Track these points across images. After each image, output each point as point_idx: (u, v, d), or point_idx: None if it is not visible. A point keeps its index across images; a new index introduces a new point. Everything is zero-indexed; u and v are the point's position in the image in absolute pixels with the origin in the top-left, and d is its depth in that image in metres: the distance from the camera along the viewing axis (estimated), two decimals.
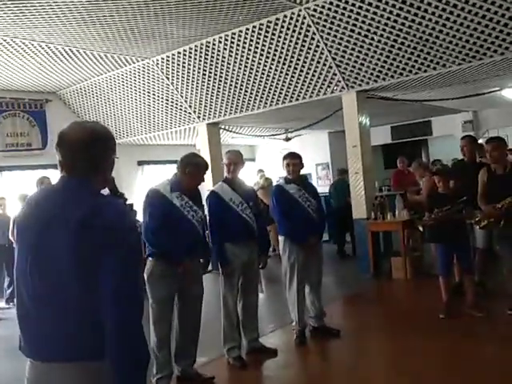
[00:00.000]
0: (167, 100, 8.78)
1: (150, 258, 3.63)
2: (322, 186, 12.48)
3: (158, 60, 8.00)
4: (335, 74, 7.01)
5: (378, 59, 6.55)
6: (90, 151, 1.65)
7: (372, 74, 6.79)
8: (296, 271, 4.56)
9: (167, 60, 7.95)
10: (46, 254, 1.58)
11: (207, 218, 4.23)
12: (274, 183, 8.52)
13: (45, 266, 1.59)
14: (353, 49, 6.57)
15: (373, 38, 6.33)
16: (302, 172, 10.86)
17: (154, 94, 8.79)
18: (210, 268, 4.42)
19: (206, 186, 5.65)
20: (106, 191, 1.79)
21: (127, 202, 2.00)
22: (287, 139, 10.51)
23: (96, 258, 1.52)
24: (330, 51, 6.73)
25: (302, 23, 6.54)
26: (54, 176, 9.38)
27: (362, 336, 4.82)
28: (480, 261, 5.37)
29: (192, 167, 3.71)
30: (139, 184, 10.79)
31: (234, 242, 4.16)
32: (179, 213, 3.61)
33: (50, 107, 9.47)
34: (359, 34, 6.33)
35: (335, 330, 4.79)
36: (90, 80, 8.92)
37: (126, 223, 1.63)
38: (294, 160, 4.63)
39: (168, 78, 8.30)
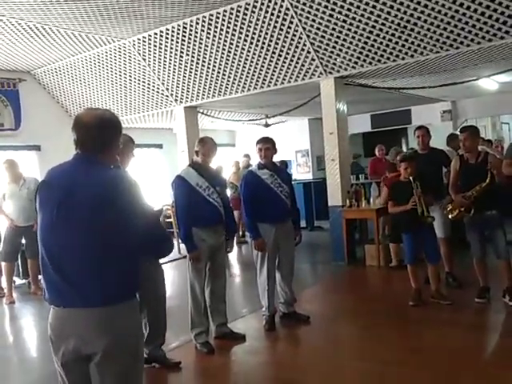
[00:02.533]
0: (144, 82, 8.62)
1: None
2: (302, 173, 12.51)
3: (134, 41, 7.83)
4: (313, 60, 6.93)
5: (357, 45, 6.49)
6: (100, 135, 2.02)
7: (350, 60, 6.73)
8: (266, 256, 4.52)
9: (144, 41, 7.78)
10: (72, 214, 1.91)
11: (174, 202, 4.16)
12: None
13: (70, 224, 1.91)
14: (331, 34, 6.50)
15: (351, 24, 6.27)
16: (283, 158, 11.03)
17: (130, 76, 8.62)
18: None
19: None
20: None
21: None
22: (266, 125, 10.43)
23: (112, 213, 1.90)
24: (308, 36, 6.65)
25: (281, 6, 6.44)
26: (28, 158, 9.22)
27: (331, 322, 4.82)
28: (444, 250, 5.39)
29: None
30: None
31: (200, 227, 4.11)
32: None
33: (23, 87, 9.21)
34: (338, 18, 6.26)
35: (305, 316, 4.78)
36: (65, 60, 8.70)
37: (136, 188, 2.09)
38: (265, 144, 4.56)
39: (145, 60, 8.14)
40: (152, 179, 10.70)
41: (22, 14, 6.42)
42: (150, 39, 7.71)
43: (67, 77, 9.18)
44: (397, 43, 6.24)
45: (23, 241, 6.79)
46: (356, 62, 6.73)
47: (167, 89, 8.54)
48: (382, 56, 6.49)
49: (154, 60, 8.07)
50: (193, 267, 4.18)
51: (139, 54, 8.04)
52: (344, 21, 6.26)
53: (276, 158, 11.00)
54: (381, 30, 6.17)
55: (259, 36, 6.96)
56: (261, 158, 4.60)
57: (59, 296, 1.98)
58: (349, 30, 6.33)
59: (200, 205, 4.11)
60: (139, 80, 8.61)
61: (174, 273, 7.54)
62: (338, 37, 6.50)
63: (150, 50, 7.91)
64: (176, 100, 8.67)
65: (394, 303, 5.13)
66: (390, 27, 6.09)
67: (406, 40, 6.14)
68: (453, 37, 5.81)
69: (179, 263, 7.77)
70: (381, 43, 6.33)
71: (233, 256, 8.87)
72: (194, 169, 4.23)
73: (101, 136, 2.04)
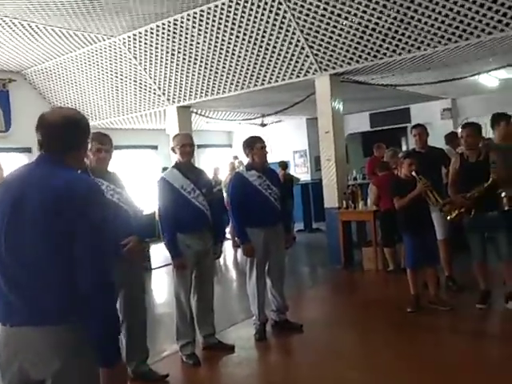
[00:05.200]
0: (135, 81, 8.41)
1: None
2: (300, 174, 12.26)
3: (124, 38, 7.62)
4: (308, 56, 6.71)
5: (352, 40, 6.27)
6: (65, 134, 1.84)
7: (346, 56, 6.51)
8: (255, 262, 4.30)
9: (134, 38, 7.57)
10: (22, 220, 1.72)
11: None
12: None
13: (21, 231, 1.72)
14: (325, 29, 6.28)
15: (346, 18, 6.05)
16: (281, 159, 10.79)
17: (121, 75, 8.41)
18: None
19: None
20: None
21: None
22: (263, 125, 10.20)
23: (68, 224, 1.68)
24: (302, 31, 6.42)
25: (273, 1, 6.22)
26: (19, 160, 9.00)
27: (326, 330, 4.58)
28: (443, 252, 5.16)
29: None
30: (109, 169, 10.41)
31: (185, 232, 3.88)
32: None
33: (13, 87, 9.02)
34: (332, 12, 6.05)
35: (297, 324, 4.55)
36: (55, 59, 8.50)
37: (97, 196, 1.79)
38: (264, 144, 4.36)
39: (136, 58, 7.93)
40: (147, 181, 10.49)
41: (9, 11, 6.23)
42: (140, 36, 7.50)
43: (58, 76, 8.97)
44: (393, 38, 6.02)
45: None
46: (351, 58, 6.50)
47: (159, 88, 8.32)
48: (378, 52, 6.27)
49: (145, 58, 7.86)
50: (178, 275, 3.96)
51: (130, 52, 7.83)
52: (338, 15, 6.05)
53: (275, 159, 10.94)
54: (377, 24, 5.95)
55: (252, 32, 6.75)
56: (257, 158, 4.34)
57: (7, 313, 1.77)
58: (343, 24, 6.12)
59: (185, 209, 3.88)
60: (130, 79, 8.40)
61: (163, 278, 7.34)
62: (332, 32, 6.28)
63: (140, 48, 7.70)
64: (168, 99, 8.45)
65: (392, 309, 4.89)
66: (386, 21, 5.87)
67: (403, 34, 5.92)
68: (451, 30, 5.58)
69: (169, 268, 7.57)
70: (377, 38, 6.10)
71: (228, 260, 8.66)
72: (179, 170, 4.00)
73: (67, 136, 1.85)
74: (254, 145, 4.34)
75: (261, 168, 4.37)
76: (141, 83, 8.40)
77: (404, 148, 11.93)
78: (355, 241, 7.49)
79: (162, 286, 7.22)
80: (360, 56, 6.42)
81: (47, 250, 1.71)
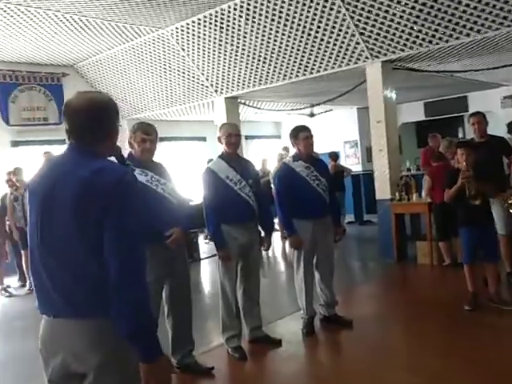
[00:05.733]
0: (183, 73, 8.41)
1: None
2: (351, 165, 11.98)
3: (172, 30, 7.62)
4: (358, 43, 6.47)
5: (405, 25, 5.98)
6: (92, 119, 1.74)
7: (398, 42, 6.22)
8: (302, 254, 4.17)
9: (181, 30, 7.56)
10: (54, 212, 1.67)
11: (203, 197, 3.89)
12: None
13: (52, 222, 1.68)
14: (377, 14, 6.02)
15: (399, 2, 5.76)
16: (331, 149, 10.56)
17: (169, 67, 8.44)
18: None
19: None
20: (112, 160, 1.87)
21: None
22: (311, 115, 10.00)
23: (96, 215, 1.61)
24: (352, 17, 6.19)
25: None
26: None
27: (376, 327, 4.40)
28: (504, 247, 4.85)
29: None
30: (159, 161, 10.52)
31: (231, 224, 3.80)
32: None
33: (66, 81, 9.27)
34: None
35: (347, 319, 4.40)
36: (105, 52, 8.64)
37: (126, 186, 1.67)
38: (310, 133, 4.21)
39: (183, 50, 7.92)
40: (195, 172, 10.54)
41: (67, 7, 6.38)
42: (187, 28, 7.48)
43: (108, 69, 9.13)
44: (450, 21, 5.69)
45: None
46: (405, 44, 6.21)
47: (207, 79, 8.29)
48: (433, 36, 5.94)
49: (193, 49, 7.84)
50: (223, 266, 3.89)
51: (178, 43, 7.83)
52: None
53: (325, 149, 10.72)
54: (432, 7, 5.64)
55: (300, 20, 6.57)
56: (303, 149, 4.20)
57: (49, 303, 1.74)
58: (396, 8, 5.84)
59: (230, 200, 3.79)
60: (179, 71, 8.42)
61: (211, 269, 7.32)
62: (384, 17, 6.01)
63: (188, 39, 7.69)
64: (216, 91, 8.41)
65: (448, 307, 4.64)
66: (442, 4, 5.56)
67: (461, 17, 5.58)
68: None
69: (209, 261, 7.58)
70: (432, 22, 5.79)
71: (277, 252, 8.56)
72: (224, 160, 3.92)
73: (94, 122, 1.74)
74: (298, 135, 4.21)
75: (308, 158, 4.23)
76: (189, 75, 8.41)
77: (461, 138, 11.43)
78: (409, 234, 7.20)
79: (209, 276, 7.21)
80: (414, 42, 6.12)
81: (76, 241, 1.65)
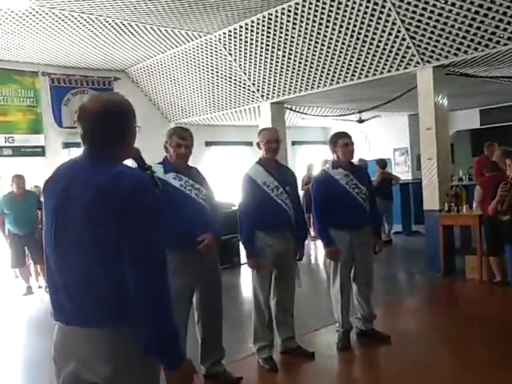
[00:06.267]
0: (230, 78, 8.42)
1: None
2: (400, 173, 11.65)
3: (220, 35, 7.64)
4: (409, 47, 6.24)
5: (459, 28, 5.70)
6: (105, 122, 1.68)
7: (452, 46, 5.94)
8: (339, 266, 4.02)
9: (229, 35, 7.56)
10: (67, 219, 1.63)
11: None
12: None
13: (66, 228, 1.64)
14: (429, 17, 5.77)
15: (453, 4, 5.51)
16: (380, 156, 10.29)
17: (217, 72, 8.47)
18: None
19: None
20: (131, 163, 1.83)
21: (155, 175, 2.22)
22: (360, 121, 9.78)
23: (111, 224, 1.56)
24: (403, 21, 5.97)
25: None
26: None
27: (417, 345, 4.17)
28: None
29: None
30: (206, 165, 10.59)
31: (266, 231, 3.71)
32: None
33: (118, 85, 9.49)
34: None
35: (385, 335, 4.20)
36: (155, 57, 8.79)
37: (143, 192, 1.61)
38: (350, 140, 4.06)
39: (231, 55, 7.93)
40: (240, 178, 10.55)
41: (118, 13, 6.53)
42: (235, 33, 7.47)
43: (158, 74, 9.28)
44: (509, 23, 5.37)
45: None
46: (458, 49, 5.92)
47: (253, 84, 8.26)
48: (490, 40, 5.63)
49: (240, 54, 7.83)
50: (256, 275, 3.80)
51: (225, 48, 7.84)
52: (445, 1, 5.52)
53: (374, 156, 10.44)
54: (489, 8, 5.35)
55: (349, 24, 6.41)
56: (342, 156, 4.06)
57: (62, 310, 1.71)
58: (450, 11, 5.58)
59: (267, 206, 3.71)
60: (225, 76, 8.43)
61: (249, 275, 7.23)
62: (437, 20, 5.76)
63: (235, 44, 7.68)
64: (262, 96, 8.36)
65: (497, 328, 4.36)
66: (500, 5, 5.26)
67: None
68: None
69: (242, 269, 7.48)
70: (489, 24, 5.49)
71: (313, 261, 8.39)
72: (262, 166, 3.85)
73: (108, 126, 1.68)
74: (337, 141, 4.06)
75: (347, 166, 4.08)
76: (235, 79, 8.41)
77: None
78: (457, 247, 6.86)
79: (248, 282, 7.13)
80: (469, 46, 5.82)
81: (88, 249, 1.60)
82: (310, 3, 6.44)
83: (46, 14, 6.38)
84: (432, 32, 5.91)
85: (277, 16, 6.87)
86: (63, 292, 1.68)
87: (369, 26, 6.30)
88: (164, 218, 1.72)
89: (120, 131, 1.72)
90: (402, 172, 11.78)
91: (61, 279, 1.69)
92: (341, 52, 6.84)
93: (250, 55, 7.74)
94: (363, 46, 6.58)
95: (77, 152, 8.47)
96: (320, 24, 6.63)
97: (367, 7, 6.09)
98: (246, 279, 7.35)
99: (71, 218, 1.63)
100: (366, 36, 6.43)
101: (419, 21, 5.87)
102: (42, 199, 1.82)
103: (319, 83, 7.49)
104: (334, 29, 6.59)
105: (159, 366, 1.69)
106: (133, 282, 1.57)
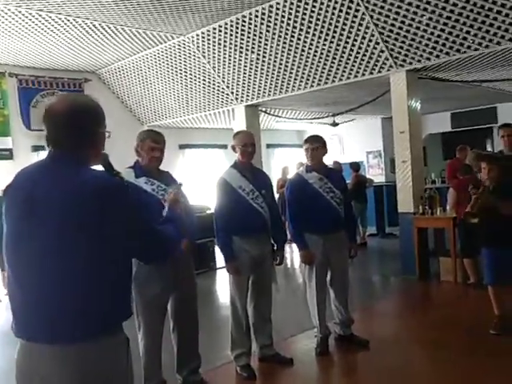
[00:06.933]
0: (204, 80, 8.32)
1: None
2: (374, 176, 11.74)
3: (193, 37, 7.54)
4: (382, 51, 6.27)
5: (432, 33, 5.75)
6: (72, 124, 1.62)
7: (424, 50, 6.00)
8: (314, 270, 3.98)
9: (202, 37, 7.47)
10: (33, 226, 1.54)
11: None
12: None
13: (33, 238, 1.55)
14: (402, 22, 5.81)
15: (425, 9, 5.55)
16: (353, 159, 10.35)
17: (190, 74, 8.36)
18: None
19: None
20: (99, 168, 1.74)
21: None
22: (334, 124, 9.80)
23: (88, 227, 1.51)
24: (376, 24, 6.00)
25: None
26: None
27: (395, 349, 4.15)
28: None
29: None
30: (180, 168, 10.44)
31: (242, 235, 3.64)
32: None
33: (88, 87, 9.26)
34: (409, 4, 5.57)
35: (363, 340, 4.18)
36: (127, 59, 8.62)
37: (115, 196, 1.58)
38: (313, 144, 4.01)
39: (204, 57, 7.84)
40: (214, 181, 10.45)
41: (88, 13, 6.35)
42: (208, 35, 7.39)
43: (130, 76, 9.11)
44: (480, 29, 5.44)
45: None
46: (431, 53, 5.98)
47: (227, 86, 8.18)
48: (461, 45, 5.70)
49: (214, 56, 7.75)
50: (233, 280, 3.73)
51: (198, 50, 7.75)
52: (417, 6, 5.56)
53: (347, 159, 10.48)
54: (460, 14, 5.41)
55: (322, 27, 6.41)
56: (308, 160, 4.05)
57: (27, 327, 1.60)
58: (422, 15, 5.63)
59: (242, 210, 3.64)
60: (199, 78, 8.33)
61: (226, 279, 7.14)
62: (409, 25, 5.80)
63: (209, 46, 7.59)
64: (237, 98, 8.29)
65: (472, 330, 4.37)
66: (471, 10, 5.32)
67: (492, 25, 5.33)
68: None
69: (219, 274, 7.39)
70: (461, 30, 5.55)
71: (290, 265, 8.34)
72: (237, 169, 3.78)
73: (75, 128, 1.62)
74: (305, 145, 4.04)
75: (321, 169, 4.04)
76: (209, 82, 8.32)
77: (489, 150, 11.06)
78: (432, 249, 6.92)
79: (224, 287, 7.04)
80: (441, 50, 5.88)
81: (63, 256, 1.52)
82: (284, 6, 6.41)
83: (13, 12, 6.16)
84: (405, 36, 5.95)
85: (251, 18, 6.82)
86: (29, 307, 1.58)
87: (342, 29, 6.30)
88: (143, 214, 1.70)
89: (85, 134, 1.65)
90: (376, 174, 11.87)
91: (27, 293, 1.58)
92: (315, 55, 6.83)
93: (224, 57, 7.66)
94: (337, 50, 6.58)
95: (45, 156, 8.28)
96: (294, 27, 6.61)
97: (341, 11, 6.09)
98: (223, 284, 7.26)
99: (39, 226, 1.54)
100: (340, 40, 6.43)
101: (392, 25, 5.91)
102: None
103: (293, 86, 7.46)
104: (307, 32, 6.58)
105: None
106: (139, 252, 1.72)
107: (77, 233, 1.52)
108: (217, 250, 7.81)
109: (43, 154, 6.77)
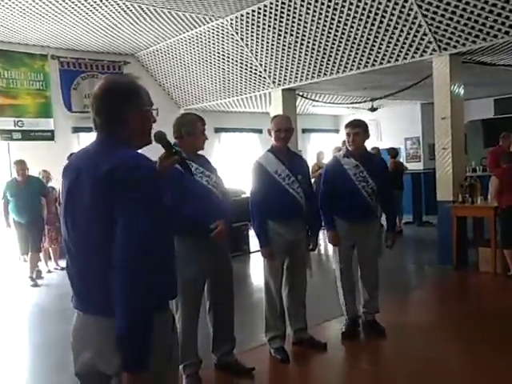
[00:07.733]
0: (241, 63, 8.29)
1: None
2: (411, 163, 11.52)
3: (231, 19, 7.51)
4: (425, 34, 6.09)
5: (479, 15, 5.55)
6: (100, 107, 1.65)
7: (470, 33, 5.79)
8: (338, 252, 4.03)
9: (241, 19, 7.43)
10: (75, 203, 1.61)
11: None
12: None
13: (75, 212, 1.62)
14: (447, 3, 5.62)
15: None
16: (391, 145, 10.16)
17: (228, 57, 8.35)
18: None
19: None
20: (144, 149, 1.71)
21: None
22: (372, 109, 9.63)
23: (108, 207, 1.51)
24: (420, 6, 5.82)
25: None
26: None
27: (424, 339, 4.01)
28: None
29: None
30: (216, 152, 10.50)
31: (277, 220, 3.64)
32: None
33: (128, 69, 9.37)
34: None
35: (381, 327, 4.12)
36: (165, 41, 8.67)
37: (142, 175, 1.54)
38: (354, 129, 3.95)
39: (242, 40, 7.80)
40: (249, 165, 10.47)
41: None
42: (247, 17, 7.34)
43: (168, 58, 9.17)
44: None
45: None
46: (477, 36, 5.77)
47: (265, 70, 8.13)
48: (510, 27, 5.48)
49: (252, 40, 7.70)
50: (268, 264, 3.74)
51: (236, 33, 7.71)
52: None
53: (385, 145, 10.29)
54: None
55: (364, 9, 6.27)
56: (348, 144, 4.00)
57: (78, 298, 1.68)
58: None
59: (278, 196, 3.62)
60: (236, 61, 8.31)
61: (259, 262, 7.19)
62: (455, 6, 5.60)
63: (247, 29, 7.55)
64: (274, 82, 8.23)
65: (509, 323, 4.26)
66: None
67: None
68: None
69: (255, 257, 7.40)
70: (510, 11, 5.32)
71: (326, 250, 8.30)
72: (273, 154, 3.76)
73: (103, 109, 1.65)
74: (347, 129, 3.99)
75: (359, 156, 3.98)
76: (247, 65, 8.28)
77: None
78: (470, 239, 6.76)
79: (258, 270, 7.08)
80: (488, 33, 5.67)
81: (93, 235, 1.57)
82: None
83: None
84: (450, 18, 5.75)
85: (290, 0, 6.72)
86: (77, 279, 1.66)
87: (384, 11, 6.15)
88: (161, 206, 1.62)
89: (114, 115, 1.64)
90: (414, 161, 11.66)
91: (75, 266, 1.67)
92: (355, 38, 6.70)
93: (262, 40, 7.60)
94: (378, 32, 6.43)
95: (86, 137, 8.42)
96: (334, 9, 6.49)
97: None
98: (257, 267, 7.31)
99: (79, 203, 1.61)
100: (382, 22, 6.28)
101: (437, 6, 5.72)
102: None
103: (332, 70, 7.35)
104: (348, 14, 6.45)
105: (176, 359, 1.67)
106: (118, 248, 1.50)
107: (102, 212, 1.54)
108: (251, 233, 7.86)
109: (83, 136, 6.96)
